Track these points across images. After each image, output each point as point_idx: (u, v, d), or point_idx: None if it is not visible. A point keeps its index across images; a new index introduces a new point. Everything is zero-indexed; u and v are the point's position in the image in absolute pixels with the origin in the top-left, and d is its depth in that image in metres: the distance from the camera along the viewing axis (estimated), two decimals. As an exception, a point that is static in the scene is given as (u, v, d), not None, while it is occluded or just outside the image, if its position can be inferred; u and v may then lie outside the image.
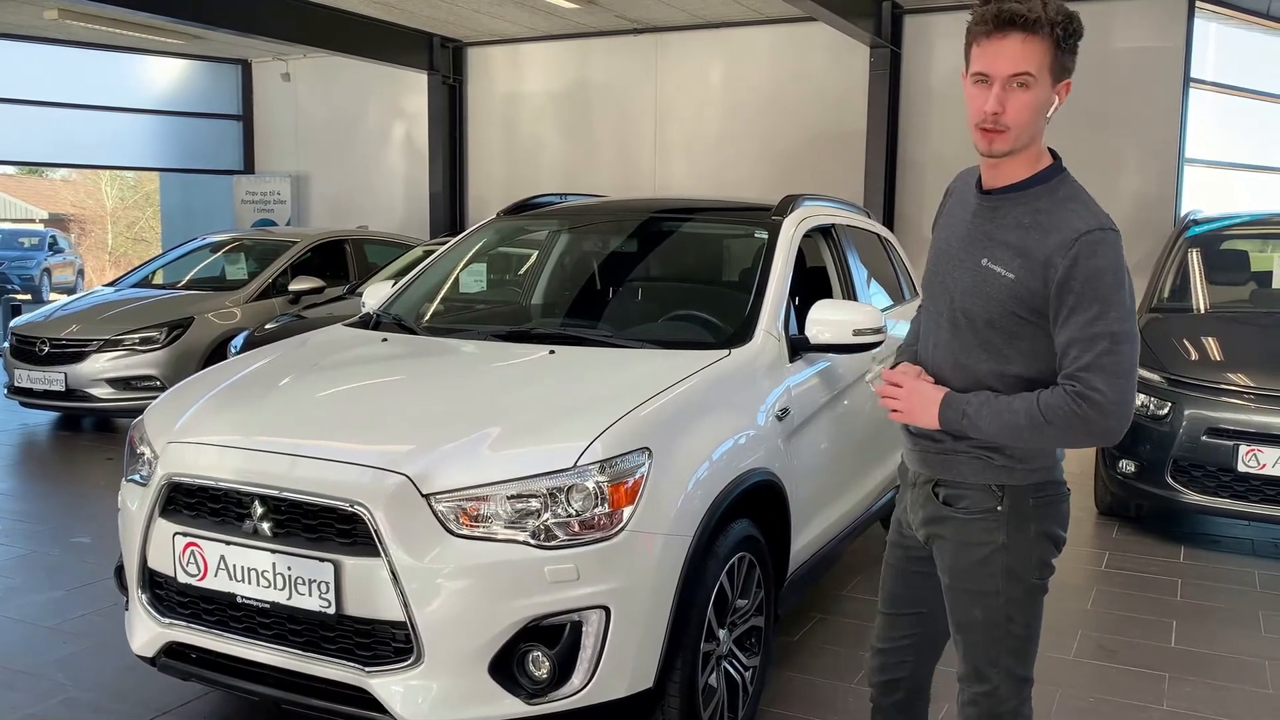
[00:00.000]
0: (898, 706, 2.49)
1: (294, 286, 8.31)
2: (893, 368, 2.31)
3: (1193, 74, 10.02)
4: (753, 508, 3.20)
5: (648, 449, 2.77)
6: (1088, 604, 4.63)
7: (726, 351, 3.40)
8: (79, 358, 7.65)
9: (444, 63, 13.22)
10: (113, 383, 7.66)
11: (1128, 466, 5.47)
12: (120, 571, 3.16)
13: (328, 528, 2.69)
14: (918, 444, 2.27)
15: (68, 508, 6.03)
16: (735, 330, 3.61)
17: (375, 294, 4.35)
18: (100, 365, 7.65)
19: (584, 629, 2.64)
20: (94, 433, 8.16)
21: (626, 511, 2.68)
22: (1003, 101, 2.03)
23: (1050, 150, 2.16)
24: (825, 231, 4.40)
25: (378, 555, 2.60)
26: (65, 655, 3.88)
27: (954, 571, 2.22)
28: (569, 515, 2.64)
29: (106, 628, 4.09)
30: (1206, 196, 9.78)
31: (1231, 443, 5.12)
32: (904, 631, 2.44)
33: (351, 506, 2.63)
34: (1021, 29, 1.99)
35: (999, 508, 2.16)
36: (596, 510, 2.65)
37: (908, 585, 2.41)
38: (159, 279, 9.22)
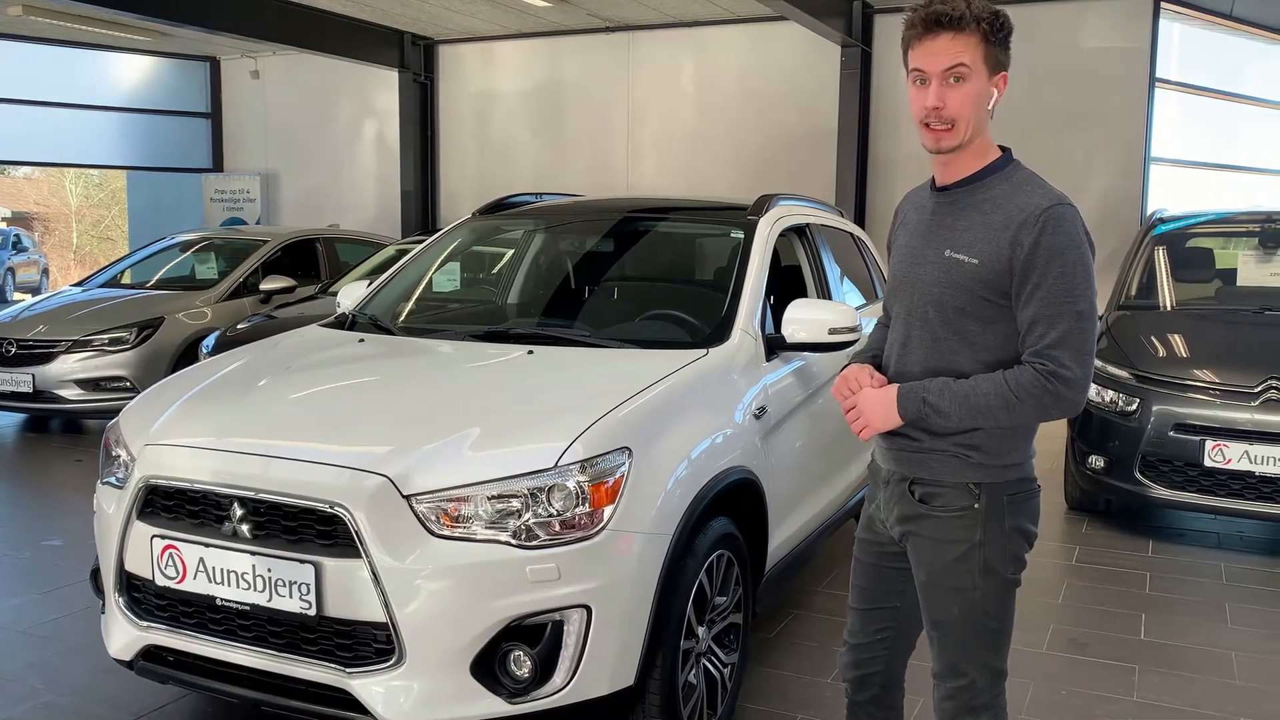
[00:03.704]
0: (875, 701, 2.51)
1: (265, 286, 8.24)
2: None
3: (1158, 74, 10.16)
4: (731, 506, 3.22)
5: (628, 448, 2.78)
6: (1059, 598, 4.70)
7: (704, 351, 3.43)
8: (47, 358, 7.55)
9: (415, 60, 13.18)
10: (81, 384, 7.57)
11: (1097, 462, 5.54)
12: (96, 575, 3.14)
13: (308, 529, 2.68)
14: (893, 443, 2.29)
15: (38, 510, 5.97)
16: (712, 330, 3.63)
17: (350, 294, 4.33)
18: (69, 366, 7.55)
19: (565, 628, 2.65)
20: (63, 434, 8.07)
21: (607, 511, 2.69)
22: (942, 97, 2.12)
23: (1000, 146, 2.23)
24: (800, 231, 4.43)
25: (358, 556, 2.60)
26: (39, 659, 3.85)
27: (931, 569, 2.25)
28: (550, 515, 2.65)
29: (81, 631, 4.05)
30: (1172, 195, 9.94)
31: (1198, 438, 5.20)
32: (877, 626, 2.46)
33: (332, 508, 2.63)
34: (949, 27, 2.11)
35: (976, 505, 2.19)
36: (577, 510, 2.66)
37: (881, 581, 2.43)
38: (128, 278, 9.12)
